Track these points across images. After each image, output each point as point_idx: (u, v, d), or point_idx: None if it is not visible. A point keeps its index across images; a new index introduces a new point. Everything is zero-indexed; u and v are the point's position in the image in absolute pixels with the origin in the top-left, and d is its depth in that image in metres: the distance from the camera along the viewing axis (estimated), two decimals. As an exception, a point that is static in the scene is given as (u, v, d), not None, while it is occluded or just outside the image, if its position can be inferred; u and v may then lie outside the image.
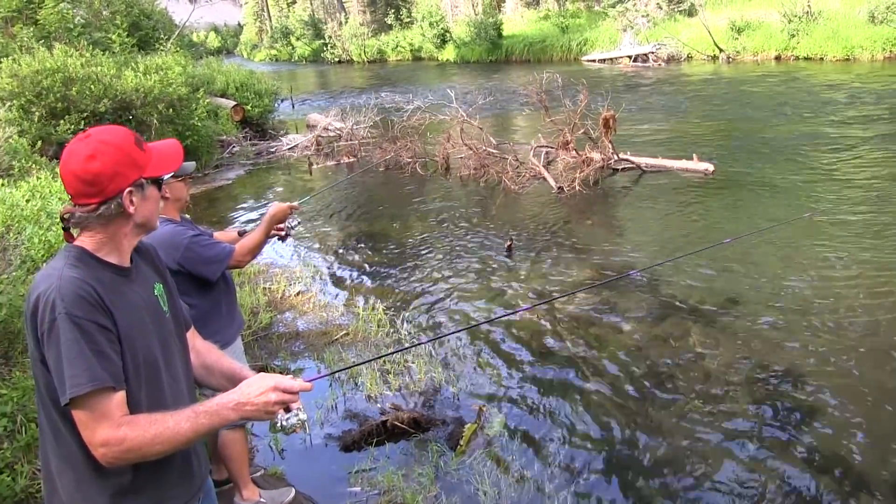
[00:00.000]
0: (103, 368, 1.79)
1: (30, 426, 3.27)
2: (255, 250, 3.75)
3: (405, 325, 6.52)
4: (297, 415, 1.98)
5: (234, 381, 2.24)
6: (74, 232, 1.98)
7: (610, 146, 10.84)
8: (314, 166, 14.38)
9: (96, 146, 1.91)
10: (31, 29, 13.29)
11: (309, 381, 2.01)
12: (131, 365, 1.90)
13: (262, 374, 2.01)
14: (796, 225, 8.16)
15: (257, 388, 1.93)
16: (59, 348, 1.77)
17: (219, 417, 1.90)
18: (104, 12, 18.27)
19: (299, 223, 4.68)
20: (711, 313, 6.31)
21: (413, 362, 5.74)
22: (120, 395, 1.83)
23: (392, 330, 6.42)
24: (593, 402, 5.12)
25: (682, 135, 14.23)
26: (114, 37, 14.32)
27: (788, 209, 8.80)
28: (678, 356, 5.64)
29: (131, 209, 1.95)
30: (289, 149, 16.00)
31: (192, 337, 2.31)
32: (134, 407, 1.87)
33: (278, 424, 1.98)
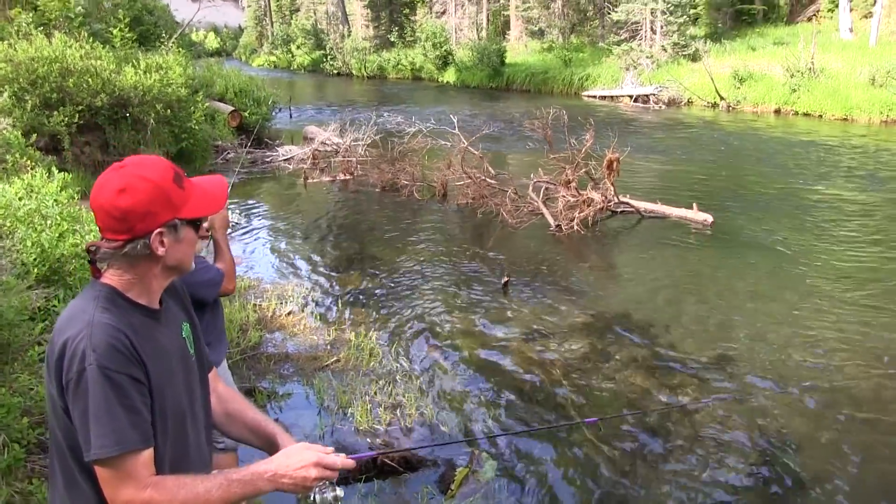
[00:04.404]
0: (133, 427, 1.65)
1: (13, 447, 3.10)
2: (234, 273, 3.62)
3: (399, 359, 6.36)
4: (334, 491, 1.84)
5: (258, 434, 2.11)
6: (101, 267, 1.81)
7: (612, 188, 10.76)
8: (309, 180, 14.22)
9: (130, 180, 1.75)
10: (31, 14, 13.07)
11: (353, 458, 1.88)
12: (159, 418, 1.75)
13: (302, 444, 1.89)
14: (792, 287, 8.12)
15: (297, 461, 1.80)
16: (87, 402, 1.62)
17: (252, 487, 1.76)
18: (106, 3, 18.13)
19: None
20: (704, 367, 6.23)
21: (403, 396, 5.59)
22: (147, 454, 1.69)
23: (385, 361, 6.26)
24: (585, 453, 4.99)
25: (681, 181, 14.19)
26: (115, 31, 14.14)
27: (782, 274, 8.71)
28: (669, 407, 5.54)
29: (160, 251, 1.78)
30: (284, 160, 15.82)
31: (214, 380, 2.15)
32: (158, 461, 1.73)
33: (311, 498, 1.84)
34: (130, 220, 1.73)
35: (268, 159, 16.05)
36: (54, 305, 4.05)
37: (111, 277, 1.80)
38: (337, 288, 8.27)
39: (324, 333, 6.80)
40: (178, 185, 1.81)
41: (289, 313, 7.25)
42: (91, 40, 12.34)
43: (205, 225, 2.64)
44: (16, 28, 12.37)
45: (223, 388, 2.20)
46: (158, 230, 1.76)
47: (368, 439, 5.00)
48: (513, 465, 4.85)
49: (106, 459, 1.63)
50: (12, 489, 3.07)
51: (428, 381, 5.99)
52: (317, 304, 7.71)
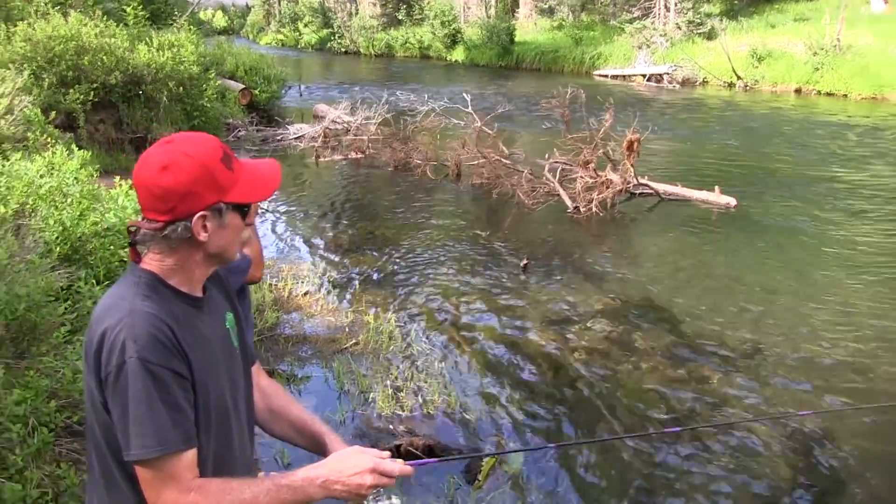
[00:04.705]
0: (175, 426, 1.54)
1: (41, 430, 3.05)
2: (262, 260, 3.52)
3: (419, 341, 6.30)
4: (389, 499, 1.75)
5: (303, 433, 2.01)
6: (141, 250, 1.70)
7: (631, 170, 10.63)
8: (321, 159, 14.13)
9: (174, 156, 1.62)
10: (49, -7, 13.00)
11: (412, 464, 1.79)
12: (202, 414, 1.65)
13: (356, 448, 1.76)
14: (822, 273, 8.01)
15: (352, 466, 1.68)
16: (127, 398, 1.52)
17: (302, 494, 1.64)
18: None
19: None
20: (735, 357, 6.11)
21: (425, 381, 5.53)
22: (191, 455, 1.59)
23: (404, 344, 6.20)
24: (615, 444, 4.93)
25: (699, 162, 14.01)
26: (128, 9, 14.04)
27: (807, 257, 8.60)
28: (700, 397, 5.46)
29: (202, 236, 1.65)
30: (295, 138, 15.70)
31: (258, 373, 2.04)
32: (200, 460, 1.62)
33: None
34: (172, 199, 1.60)
35: (278, 137, 15.94)
36: (77, 286, 4.00)
37: (151, 262, 1.68)
38: (352, 268, 8.20)
39: (341, 315, 6.74)
40: (225, 166, 1.67)
41: (305, 294, 7.19)
42: (105, 19, 12.27)
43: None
44: (34, 7, 12.30)
45: (266, 381, 2.09)
46: (201, 213, 1.63)
47: (391, 426, 4.94)
48: (540, 458, 4.77)
49: (147, 460, 1.54)
50: (42, 472, 3.02)
51: (449, 365, 5.93)
52: (333, 284, 7.64)
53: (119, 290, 1.67)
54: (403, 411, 5.13)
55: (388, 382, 5.47)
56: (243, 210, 1.73)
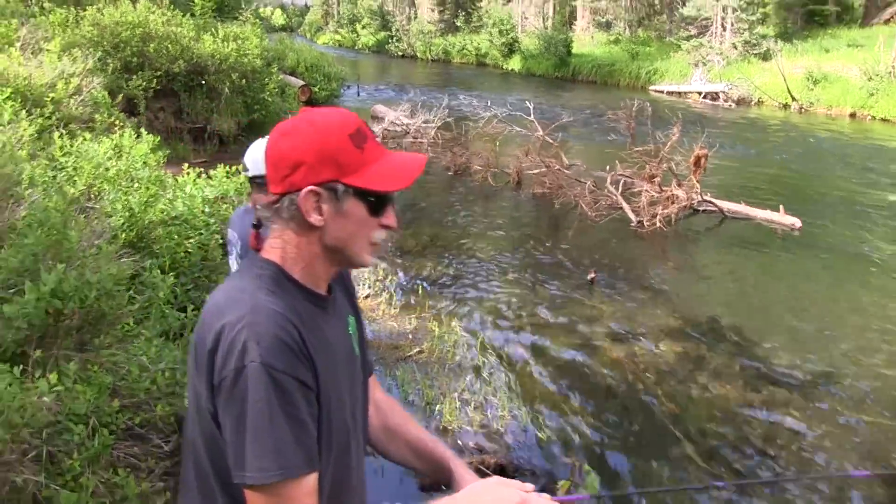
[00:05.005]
0: (298, 445, 1.26)
1: (101, 431, 2.79)
2: None
3: (486, 353, 5.98)
4: None
5: (423, 457, 1.72)
6: (263, 235, 1.47)
7: (697, 185, 10.23)
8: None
9: (298, 122, 1.41)
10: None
11: (559, 499, 1.46)
12: (324, 433, 1.37)
13: (496, 480, 1.44)
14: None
15: (493, 501, 1.37)
16: (244, 410, 1.25)
17: None
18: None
19: None
20: (804, 385, 5.74)
21: (494, 395, 5.22)
22: (312, 480, 1.30)
23: (469, 355, 5.89)
24: (692, 466, 4.57)
25: (760, 181, 13.50)
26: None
27: (881, 286, 8.13)
28: (775, 426, 5.09)
29: (312, 217, 1.38)
30: (353, 138, 15.49)
31: (374, 387, 1.75)
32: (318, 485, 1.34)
33: None
34: (284, 167, 1.38)
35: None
36: (144, 276, 3.75)
37: (272, 251, 1.43)
38: (414, 273, 7.92)
39: (404, 321, 6.44)
40: (354, 144, 1.40)
41: (366, 297, 6.92)
42: (172, 8, 12.20)
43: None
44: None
45: (382, 395, 1.80)
46: (311, 188, 1.37)
47: (459, 441, 4.63)
48: (617, 485, 4.44)
49: (262, 486, 1.25)
50: (97, 478, 2.75)
51: (516, 380, 5.60)
52: (393, 288, 7.36)
53: (238, 281, 1.42)
54: (472, 426, 4.81)
55: (455, 395, 5.16)
56: (370, 200, 1.43)
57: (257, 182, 3.11)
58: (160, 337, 3.62)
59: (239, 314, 1.30)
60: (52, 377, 2.42)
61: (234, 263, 3.22)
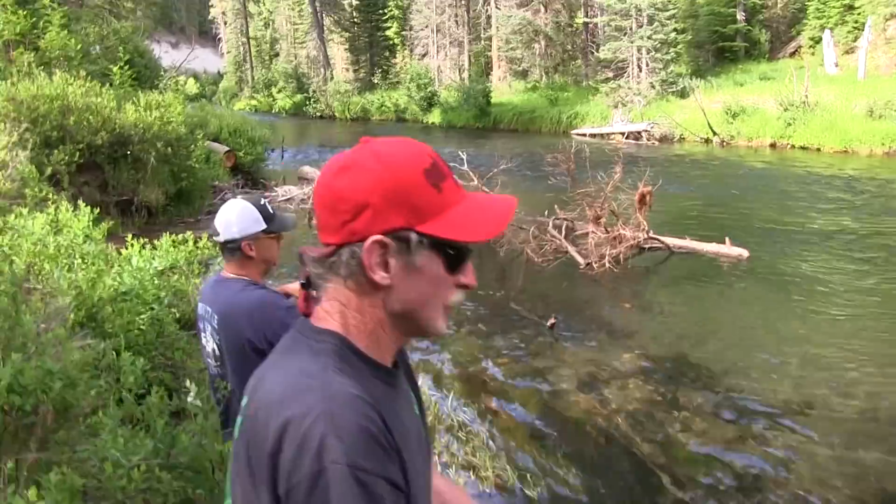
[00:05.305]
0: None
1: None
2: None
3: (457, 412, 5.72)
4: None
5: None
6: (312, 296, 1.21)
7: (645, 223, 10.24)
8: (314, 221, 13.59)
9: (360, 156, 1.15)
10: (32, 54, 12.52)
11: None
12: None
13: None
14: (851, 325, 7.61)
15: None
16: None
17: None
18: (96, 49, 17.64)
19: None
20: (776, 417, 5.69)
21: (475, 455, 4.97)
22: None
23: (440, 414, 5.63)
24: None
25: (697, 215, 13.76)
26: (115, 69, 13.60)
27: (829, 306, 8.23)
28: (748, 464, 5.00)
29: (378, 275, 1.12)
30: (284, 200, 15.21)
31: (433, 472, 1.49)
32: None
33: None
34: (343, 211, 1.12)
35: (267, 199, 15.42)
36: (98, 360, 3.40)
37: (329, 317, 1.16)
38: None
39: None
40: (430, 182, 1.15)
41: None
42: (90, 79, 11.80)
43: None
44: (17, 68, 11.80)
45: (442, 481, 1.54)
46: (378, 237, 1.11)
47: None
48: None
49: None
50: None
51: (492, 436, 5.39)
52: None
53: (295, 360, 1.13)
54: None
55: (434, 458, 4.88)
56: (449, 253, 1.18)
57: (229, 247, 2.85)
58: (124, 426, 3.27)
59: (309, 404, 1.03)
60: (32, 493, 2.06)
61: (208, 342, 2.91)
